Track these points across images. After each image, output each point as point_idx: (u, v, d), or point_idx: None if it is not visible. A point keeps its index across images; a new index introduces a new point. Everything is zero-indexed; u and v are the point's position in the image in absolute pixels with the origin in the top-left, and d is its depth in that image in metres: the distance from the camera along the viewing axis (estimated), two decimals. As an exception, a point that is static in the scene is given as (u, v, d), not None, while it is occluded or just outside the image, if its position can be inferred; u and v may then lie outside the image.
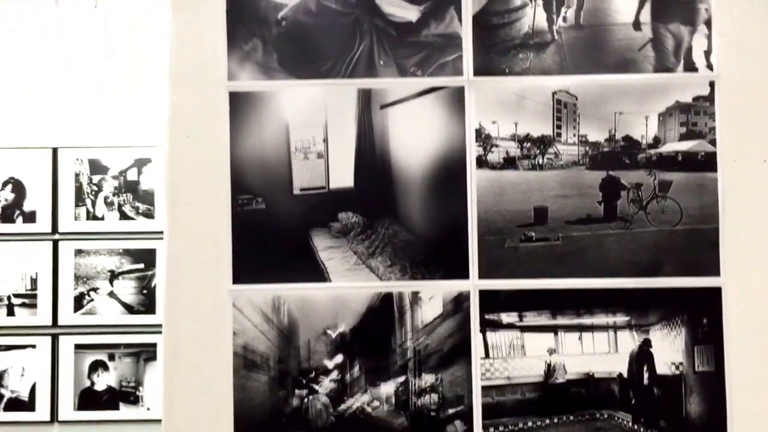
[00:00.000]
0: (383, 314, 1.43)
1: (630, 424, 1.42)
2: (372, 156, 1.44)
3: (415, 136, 1.44)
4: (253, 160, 1.43)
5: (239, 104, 1.43)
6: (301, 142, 1.44)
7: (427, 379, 1.42)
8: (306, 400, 1.42)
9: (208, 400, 1.40)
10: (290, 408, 1.42)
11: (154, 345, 2.91)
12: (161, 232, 2.92)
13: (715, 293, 1.42)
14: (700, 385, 1.41)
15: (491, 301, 1.43)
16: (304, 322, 1.42)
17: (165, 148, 1.43)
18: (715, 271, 1.42)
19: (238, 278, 1.42)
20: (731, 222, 1.42)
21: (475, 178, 1.43)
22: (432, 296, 1.43)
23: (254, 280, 1.42)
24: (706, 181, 1.43)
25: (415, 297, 1.43)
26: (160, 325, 2.93)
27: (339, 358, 1.43)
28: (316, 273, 1.43)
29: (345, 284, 1.43)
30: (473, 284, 1.42)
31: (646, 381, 1.42)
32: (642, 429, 1.42)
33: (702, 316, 1.42)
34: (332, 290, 1.43)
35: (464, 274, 1.42)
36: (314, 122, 1.44)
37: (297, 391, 1.42)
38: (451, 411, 1.42)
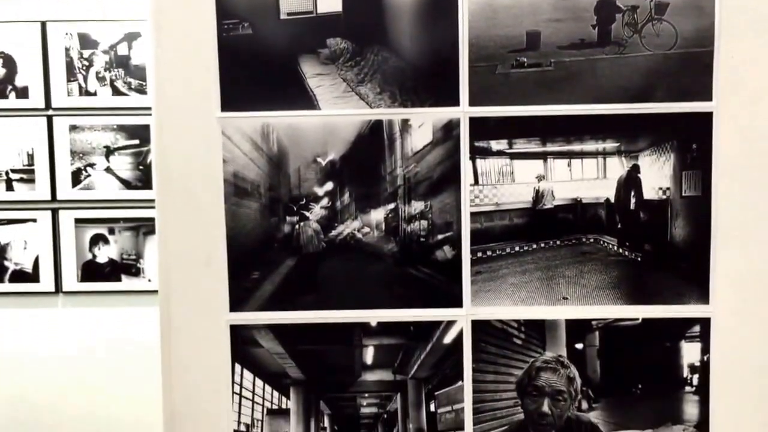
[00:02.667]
0: (373, 142, 1.43)
1: (615, 247, 1.44)
2: (360, -21, 1.40)
3: (404, -42, 1.40)
4: (238, -17, 1.40)
5: (222, -76, 1.38)
6: (287, -35, 1.40)
7: (417, 205, 1.44)
8: (297, 226, 1.44)
9: (202, 227, 1.43)
10: (282, 234, 1.44)
11: (152, 219, 2.94)
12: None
13: (706, 118, 1.42)
14: (685, 210, 1.43)
15: (481, 128, 1.42)
16: (293, 150, 1.43)
17: (148, -28, 1.39)
18: (707, 96, 1.41)
19: (226, 106, 1.42)
20: (726, 45, 1.40)
21: (466, 2, 1.40)
22: (422, 123, 1.43)
23: (243, 108, 1.42)
24: (702, 2, 1.40)
25: (405, 124, 1.43)
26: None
27: (329, 186, 1.44)
28: (305, 100, 1.42)
29: (334, 112, 1.42)
30: (463, 111, 1.42)
31: (632, 206, 1.44)
32: (627, 252, 1.44)
33: (691, 142, 1.42)
34: (321, 118, 1.42)
35: (454, 101, 1.42)
36: (300, -56, 1.40)
37: (288, 218, 1.44)
38: (440, 237, 1.44)
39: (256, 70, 1.41)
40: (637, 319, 1.44)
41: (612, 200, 1.44)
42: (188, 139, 1.42)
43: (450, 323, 1.44)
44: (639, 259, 1.44)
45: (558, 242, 1.45)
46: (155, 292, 2.93)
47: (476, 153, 1.43)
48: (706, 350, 1.44)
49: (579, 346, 1.44)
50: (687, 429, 1.44)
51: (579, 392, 1.44)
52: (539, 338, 1.44)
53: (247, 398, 1.44)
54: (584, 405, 1.45)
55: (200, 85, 1.41)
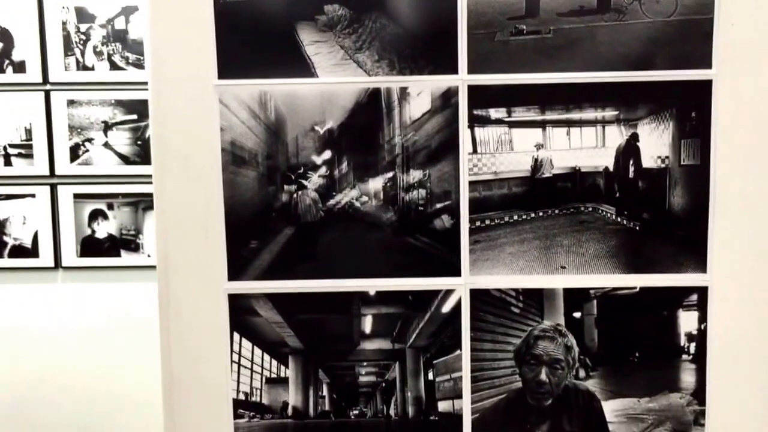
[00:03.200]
0: (371, 110, 1.42)
1: (614, 216, 1.44)
2: (358, -55, 1.39)
3: (402, -77, 1.38)
4: (234, -51, 1.38)
5: None
6: (283, -69, 1.38)
7: (415, 174, 1.44)
8: (295, 195, 1.43)
9: (199, 196, 1.42)
10: (280, 203, 1.44)
11: (151, 195, 2.94)
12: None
13: (706, 86, 1.41)
14: (684, 178, 1.43)
15: (480, 96, 1.42)
16: (291, 118, 1.42)
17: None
18: (706, 63, 1.40)
19: (223, 73, 1.41)
20: (726, 12, 1.39)
21: (464, -32, 1.39)
22: (420, 92, 1.42)
23: (240, 75, 1.41)
24: (702, -31, 1.39)
25: (403, 92, 1.42)
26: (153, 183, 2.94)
27: (327, 154, 1.43)
28: (303, 68, 1.41)
29: (332, 79, 1.41)
30: (462, 79, 1.41)
31: (631, 174, 1.44)
32: (625, 221, 1.44)
33: (691, 110, 1.41)
34: (319, 86, 1.41)
35: (453, 69, 1.41)
36: None
37: (286, 187, 1.43)
38: (438, 206, 1.44)
39: (253, 37, 1.40)
40: (635, 287, 1.44)
41: (611, 169, 1.44)
42: (185, 107, 1.41)
43: (448, 292, 1.44)
44: (637, 227, 1.44)
45: (556, 211, 1.45)
46: (155, 267, 2.93)
47: (475, 121, 1.42)
48: (703, 319, 1.44)
49: (577, 314, 1.45)
50: (684, 397, 1.45)
51: (576, 361, 1.45)
52: (537, 307, 1.45)
53: (245, 367, 1.44)
54: (582, 373, 1.45)
55: (197, 52, 1.40)
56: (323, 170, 1.43)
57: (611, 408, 1.45)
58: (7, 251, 2.95)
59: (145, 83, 2.98)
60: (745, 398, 1.44)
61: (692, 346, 1.45)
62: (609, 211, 1.44)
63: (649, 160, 1.43)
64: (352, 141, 1.43)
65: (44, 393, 3.01)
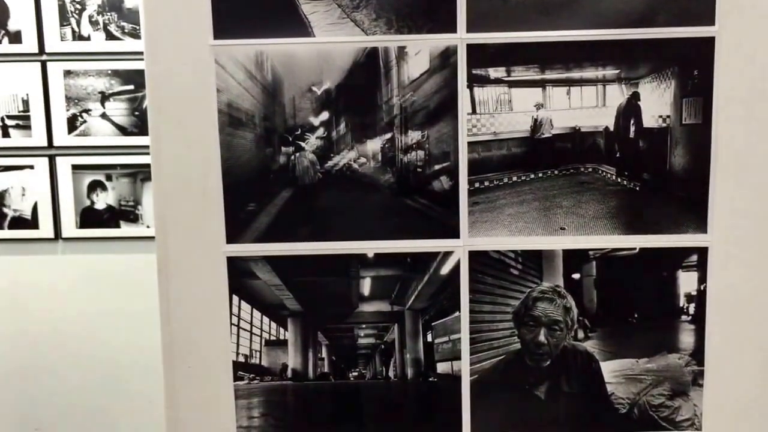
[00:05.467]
0: (369, 70, 1.41)
1: (614, 177, 1.43)
2: None
3: None
4: None
5: None
6: None
7: (414, 135, 1.42)
8: (293, 157, 1.42)
9: (197, 159, 1.41)
10: (277, 165, 1.43)
11: (149, 166, 2.93)
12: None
13: (708, 43, 1.39)
14: (685, 138, 1.41)
15: (479, 55, 1.40)
16: (288, 79, 1.40)
17: None
18: (709, 20, 1.38)
19: (219, 33, 1.39)
20: (729, -32, 1.37)
21: (462, -76, 1.36)
22: (418, 51, 1.40)
23: (236, 35, 1.39)
24: (705, -77, 1.36)
25: (401, 52, 1.40)
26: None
27: (325, 115, 1.42)
28: (299, 27, 1.39)
29: (329, 39, 1.39)
30: (461, 38, 1.39)
31: (632, 134, 1.42)
32: (625, 181, 1.43)
33: (693, 68, 1.40)
34: (316, 45, 1.40)
35: (452, 28, 1.39)
36: None
37: (283, 149, 1.42)
38: (437, 167, 1.43)
39: (249, -4, 1.38)
40: (635, 248, 1.43)
41: (611, 129, 1.42)
42: (181, 69, 1.39)
43: (447, 254, 1.43)
44: (637, 188, 1.43)
45: (556, 172, 1.43)
46: (154, 238, 2.93)
47: (474, 81, 1.41)
48: (702, 279, 1.43)
49: (576, 276, 1.44)
50: (682, 358, 1.45)
51: (575, 322, 1.44)
52: (536, 269, 1.44)
53: (245, 329, 1.44)
54: (580, 334, 1.45)
55: (192, 11, 1.38)
56: (321, 131, 1.42)
57: (610, 369, 1.45)
58: (6, 223, 2.95)
59: (141, 53, 2.96)
60: (743, 358, 1.44)
61: (691, 307, 1.44)
62: (609, 171, 1.43)
63: (650, 120, 1.41)
64: (350, 102, 1.42)
65: (45, 363, 3.03)
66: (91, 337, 3.00)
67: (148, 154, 3.02)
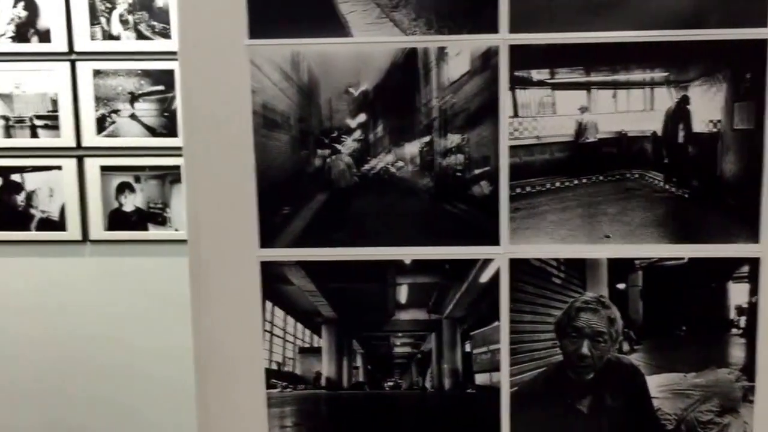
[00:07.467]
0: (407, 71, 1.37)
1: (662, 183, 1.38)
2: None
3: None
4: None
5: None
6: None
7: (453, 138, 1.38)
8: (328, 159, 1.39)
9: (230, 160, 1.38)
10: (313, 168, 1.39)
11: (178, 167, 2.92)
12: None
13: (761, 45, 1.33)
14: (737, 143, 1.36)
15: (522, 56, 1.35)
16: (324, 80, 1.37)
17: None
18: (761, 21, 1.32)
19: (254, 33, 1.36)
20: (786, -34, 1.31)
21: None
22: (459, 52, 1.36)
23: (272, 35, 1.36)
24: None
25: (441, 53, 1.36)
26: (182, 148, 2.93)
27: (362, 117, 1.38)
28: (337, 27, 1.35)
29: (367, 39, 1.36)
30: (503, 38, 1.35)
31: (681, 139, 1.37)
32: (674, 188, 1.38)
33: (745, 71, 1.34)
34: (354, 46, 1.36)
35: (494, 28, 1.34)
36: None
37: (319, 151, 1.39)
38: (477, 171, 1.38)
39: (286, -5, 1.35)
40: (683, 258, 1.38)
41: (659, 133, 1.37)
42: (215, 69, 1.36)
43: (487, 262, 1.39)
44: (686, 195, 1.37)
45: (601, 178, 1.38)
46: (182, 241, 2.91)
47: (516, 83, 1.36)
48: (754, 291, 1.37)
49: (621, 286, 1.39)
50: (732, 372, 1.39)
51: (620, 334, 1.39)
52: (579, 278, 1.39)
53: (278, 336, 1.41)
54: (625, 347, 1.40)
55: (227, 10, 1.35)
56: (357, 134, 1.38)
57: (656, 383, 1.40)
58: (34, 224, 2.95)
59: (172, 53, 2.94)
60: (797, 374, 1.38)
61: (742, 320, 1.38)
62: (657, 177, 1.37)
63: (699, 125, 1.36)
64: (388, 103, 1.38)
65: (72, 365, 3.02)
66: (118, 339, 2.99)
67: (176, 155, 3.01)
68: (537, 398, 1.41)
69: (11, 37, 2.85)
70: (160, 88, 2.90)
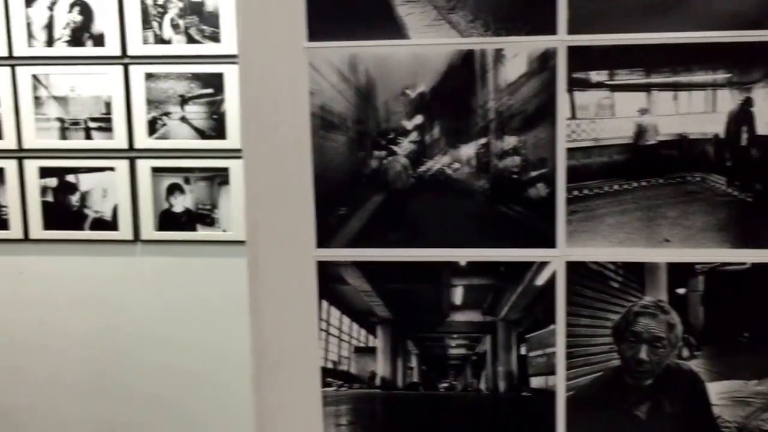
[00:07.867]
0: (464, 73, 1.37)
1: (724, 187, 1.35)
2: None
3: None
4: None
5: None
6: None
7: (510, 140, 1.37)
8: (385, 161, 1.39)
9: (288, 162, 1.40)
10: (369, 169, 1.40)
11: (227, 169, 2.96)
12: (228, 56, 2.89)
13: (830, 45, 1.30)
14: (804, 146, 1.32)
15: (580, 58, 1.34)
16: (382, 82, 1.38)
17: None
18: (832, 21, 1.29)
19: (313, 36, 1.37)
20: None
21: None
22: (516, 54, 1.35)
23: (330, 37, 1.37)
24: None
25: (498, 54, 1.36)
26: (231, 150, 2.98)
27: (418, 119, 1.39)
28: (395, 29, 1.36)
29: (425, 41, 1.36)
30: (561, 40, 1.34)
31: (744, 142, 1.34)
32: (736, 192, 1.35)
33: (813, 71, 1.31)
34: (411, 48, 1.37)
35: (552, 29, 1.34)
36: None
37: (376, 153, 1.39)
38: (533, 173, 1.38)
39: (344, -2, 1.36)
40: (746, 263, 1.35)
41: (721, 136, 1.34)
42: (275, 71, 1.38)
43: (543, 264, 1.38)
44: (749, 199, 1.34)
45: (661, 181, 1.36)
46: (230, 242, 2.95)
47: (574, 85, 1.35)
48: (820, 298, 1.34)
49: (681, 290, 1.37)
50: (796, 380, 1.36)
51: (680, 339, 1.37)
52: (638, 282, 1.37)
53: (333, 335, 1.42)
54: (685, 353, 1.37)
55: (287, 13, 1.37)
56: (414, 135, 1.39)
57: (716, 390, 1.37)
58: (87, 224, 3.02)
59: (221, 57, 2.99)
60: None
61: (807, 327, 1.35)
62: (719, 181, 1.35)
63: (764, 127, 1.33)
64: (444, 105, 1.38)
65: (124, 365, 3.08)
66: (170, 338, 3.04)
67: (225, 157, 3.05)
68: (593, 403, 1.39)
69: (67, 41, 2.93)
70: (210, 91, 2.95)
